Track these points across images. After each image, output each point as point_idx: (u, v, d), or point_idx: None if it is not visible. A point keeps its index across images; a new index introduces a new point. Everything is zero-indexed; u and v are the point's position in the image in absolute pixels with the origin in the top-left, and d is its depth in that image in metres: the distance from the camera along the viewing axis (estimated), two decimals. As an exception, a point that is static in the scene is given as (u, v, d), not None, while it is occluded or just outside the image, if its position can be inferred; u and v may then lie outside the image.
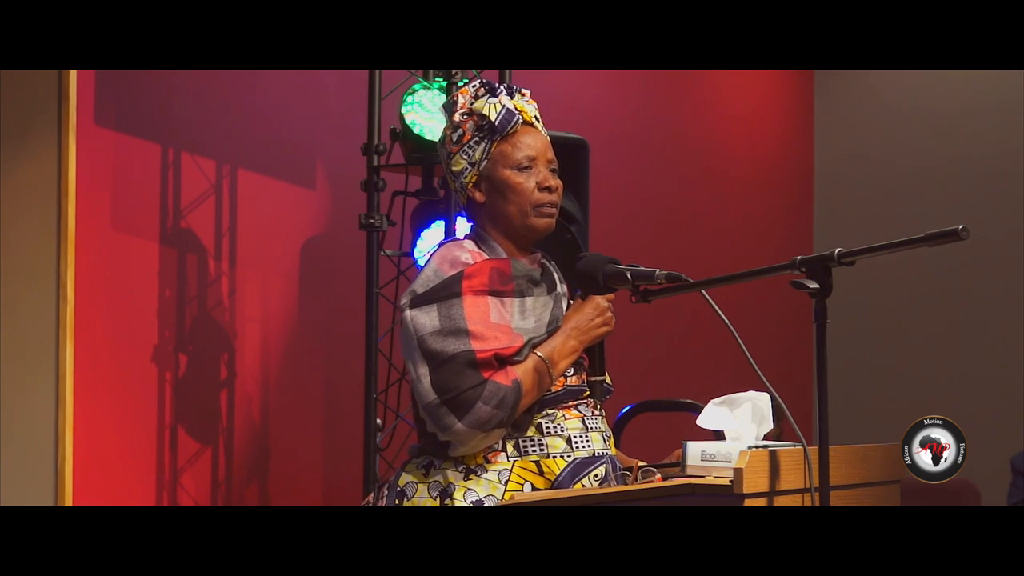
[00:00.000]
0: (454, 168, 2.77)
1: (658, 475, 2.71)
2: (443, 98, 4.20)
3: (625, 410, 4.36)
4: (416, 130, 4.22)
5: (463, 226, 4.16)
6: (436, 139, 4.18)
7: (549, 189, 2.76)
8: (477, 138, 2.76)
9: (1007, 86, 7.25)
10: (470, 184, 2.77)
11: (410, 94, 4.24)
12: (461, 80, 4.18)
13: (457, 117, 2.77)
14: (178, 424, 4.37)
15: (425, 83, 4.24)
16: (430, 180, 4.29)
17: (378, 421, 4.20)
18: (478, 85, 2.79)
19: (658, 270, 2.72)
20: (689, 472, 2.55)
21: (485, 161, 2.75)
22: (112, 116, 4.21)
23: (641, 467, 2.77)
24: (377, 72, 4.22)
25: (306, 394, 4.80)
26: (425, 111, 4.24)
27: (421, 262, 4.27)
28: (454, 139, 2.76)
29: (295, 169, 4.77)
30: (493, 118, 2.75)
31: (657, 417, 4.51)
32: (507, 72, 4.22)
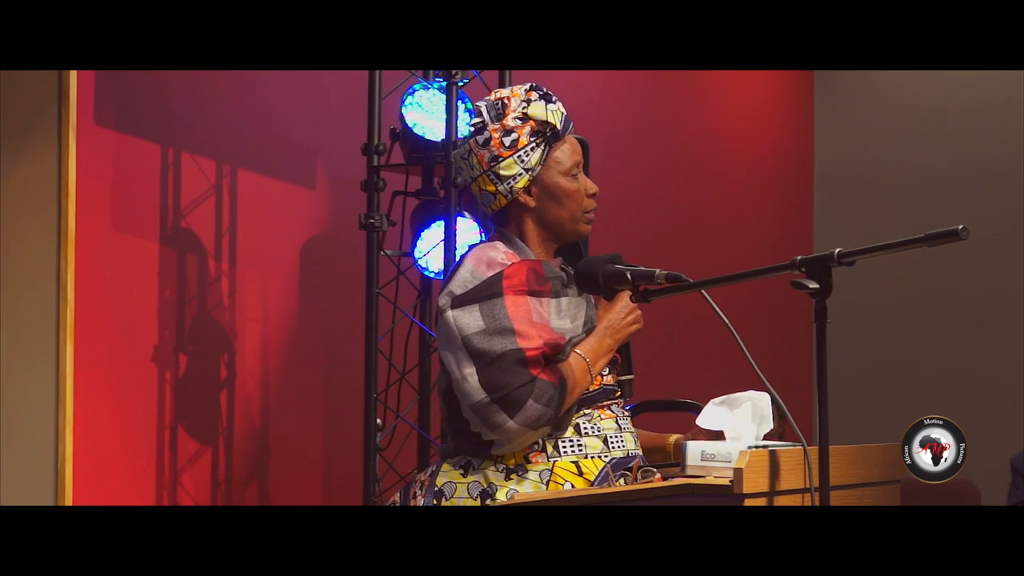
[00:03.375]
0: (503, 172, 2.76)
1: (658, 475, 2.72)
2: (443, 98, 4.20)
3: (625, 409, 4.35)
4: (416, 130, 4.22)
5: (463, 226, 4.16)
6: (436, 139, 4.20)
7: (593, 195, 2.85)
8: (534, 144, 2.77)
9: (1007, 86, 7.25)
10: (521, 189, 2.77)
11: (410, 94, 4.24)
12: (461, 80, 4.18)
13: (510, 121, 2.76)
14: (178, 424, 4.37)
15: (425, 83, 4.24)
16: (430, 180, 4.29)
17: (378, 421, 4.20)
18: (528, 89, 2.80)
19: (658, 270, 2.73)
20: (689, 472, 2.55)
21: (539, 167, 2.77)
22: (112, 116, 4.21)
23: (641, 467, 2.78)
24: (377, 72, 4.21)
25: (306, 394, 4.80)
26: (425, 111, 4.24)
27: (422, 263, 4.27)
28: (506, 143, 2.75)
29: (295, 169, 4.77)
30: (558, 125, 2.78)
31: (657, 417, 4.50)
32: (507, 72, 4.22)
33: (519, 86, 2.82)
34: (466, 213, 4.19)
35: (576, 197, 2.81)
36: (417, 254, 4.28)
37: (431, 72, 4.22)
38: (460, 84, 4.18)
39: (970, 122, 7.40)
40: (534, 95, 2.79)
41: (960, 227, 2.35)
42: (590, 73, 5.89)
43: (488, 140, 2.77)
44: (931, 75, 7.45)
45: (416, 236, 4.30)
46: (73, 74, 4.05)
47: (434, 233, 4.25)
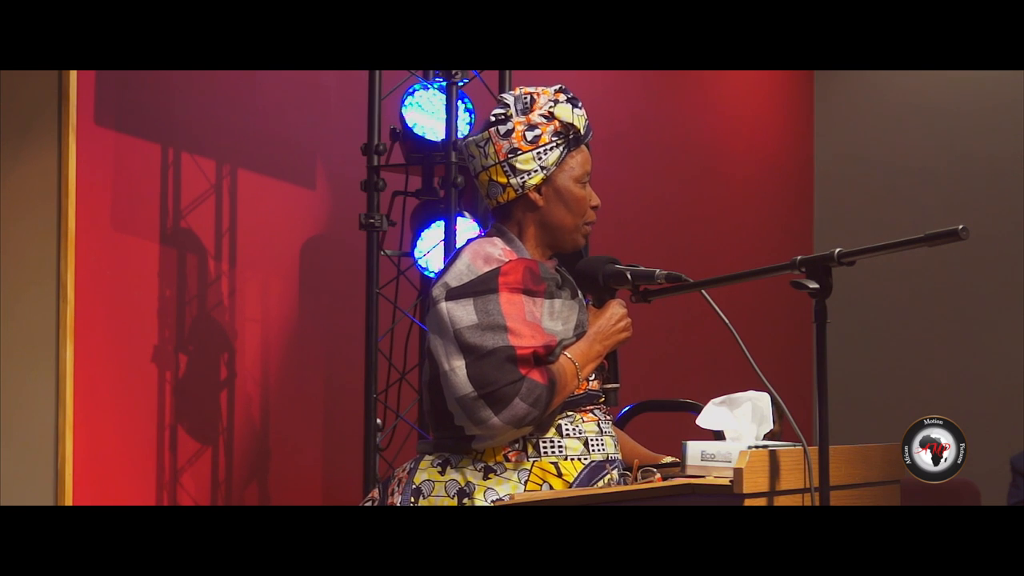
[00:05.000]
0: (520, 166, 2.76)
1: (658, 475, 2.72)
2: (443, 98, 4.20)
3: (625, 410, 4.36)
4: (416, 130, 4.22)
5: (464, 226, 4.16)
6: (436, 139, 4.21)
7: (596, 208, 2.85)
8: (554, 144, 2.77)
9: (1007, 86, 7.26)
10: (533, 185, 2.77)
11: (410, 94, 4.24)
12: (461, 80, 4.18)
13: (536, 117, 2.77)
14: (178, 424, 4.37)
15: (425, 83, 4.24)
16: (430, 180, 4.29)
17: (378, 421, 4.20)
18: (557, 90, 2.81)
19: (658, 270, 2.73)
20: (689, 472, 2.55)
21: (554, 168, 2.78)
22: (112, 116, 4.21)
23: (641, 467, 2.78)
24: (377, 72, 4.22)
25: (306, 394, 4.80)
26: (425, 111, 4.24)
27: (422, 263, 4.27)
28: (528, 138, 2.76)
29: (295, 169, 4.77)
30: (582, 129, 2.79)
31: (657, 417, 4.51)
32: (507, 72, 4.22)
33: (549, 86, 2.84)
34: (466, 213, 4.19)
35: (583, 205, 2.81)
36: (417, 254, 4.28)
37: (431, 72, 4.22)
38: (460, 84, 4.18)
39: (970, 122, 7.40)
40: (562, 96, 2.81)
41: (960, 227, 2.35)
42: (590, 73, 5.89)
43: (511, 131, 2.77)
44: (931, 75, 7.45)
45: (416, 236, 4.30)
46: (73, 74, 4.05)
47: (434, 233, 4.25)
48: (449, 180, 4.15)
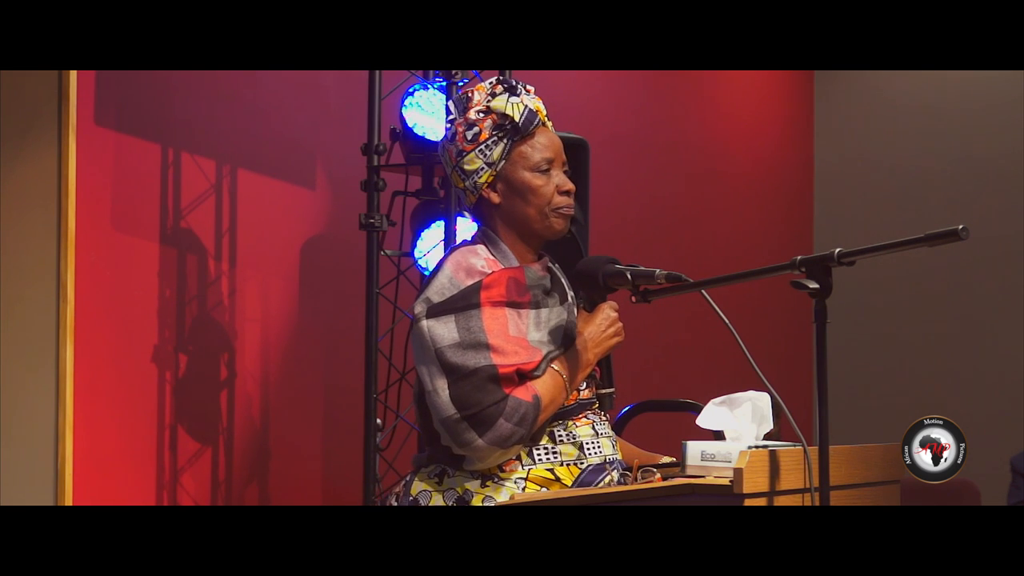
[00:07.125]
0: (467, 167, 2.71)
1: (658, 475, 2.71)
2: (443, 98, 4.20)
3: (625, 410, 4.36)
4: (416, 130, 4.22)
5: (464, 226, 4.16)
6: (436, 139, 4.21)
7: (568, 192, 2.75)
8: (496, 137, 2.70)
9: (1007, 86, 7.26)
10: (484, 184, 2.73)
11: (410, 94, 4.24)
12: (461, 80, 4.18)
13: (472, 115, 2.71)
14: (178, 424, 4.37)
15: (425, 83, 4.24)
16: (430, 180, 4.29)
17: (378, 421, 4.20)
18: (495, 82, 2.74)
19: (658, 270, 2.72)
20: (689, 472, 2.55)
21: (503, 162, 2.72)
22: (112, 116, 4.21)
23: (641, 467, 2.78)
24: (377, 72, 4.22)
25: (306, 394, 4.80)
26: (425, 111, 4.24)
27: (422, 263, 4.27)
28: (468, 137, 2.70)
29: (295, 169, 4.77)
30: (517, 118, 2.70)
31: (657, 417, 4.51)
32: (507, 72, 4.22)
33: (491, 79, 2.78)
34: (466, 213, 4.19)
35: (541, 193, 2.72)
36: (417, 254, 4.28)
37: (431, 72, 4.22)
38: (460, 84, 4.18)
39: (970, 122, 7.40)
40: (499, 88, 2.73)
41: (960, 227, 2.34)
42: (590, 73, 5.89)
43: (454, 134, 2.74)
44: (931, 75, 7.45)
45: (416, 236, 4.30)
46: (73, 74, 4.05)
47: (434, 233, 4.25)
48: (449, 180, 4.15)
